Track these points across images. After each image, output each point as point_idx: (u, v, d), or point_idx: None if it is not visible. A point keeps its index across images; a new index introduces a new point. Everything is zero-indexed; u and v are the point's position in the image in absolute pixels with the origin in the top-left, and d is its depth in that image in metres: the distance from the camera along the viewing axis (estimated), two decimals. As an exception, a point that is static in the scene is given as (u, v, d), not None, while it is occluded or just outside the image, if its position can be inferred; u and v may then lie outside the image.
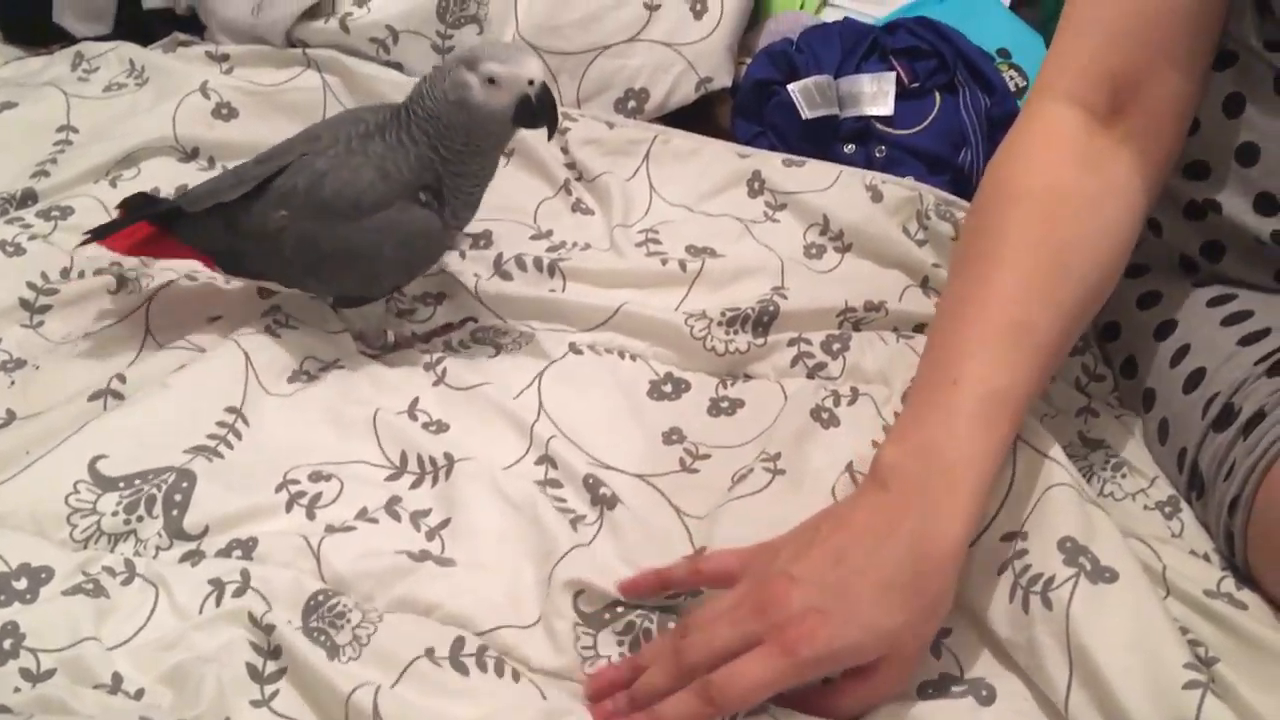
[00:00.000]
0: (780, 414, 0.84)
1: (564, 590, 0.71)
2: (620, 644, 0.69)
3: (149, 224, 0.83)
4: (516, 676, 0.68)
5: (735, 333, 0.90)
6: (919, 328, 0.91)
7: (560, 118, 0.80)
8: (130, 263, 0.95)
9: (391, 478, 0.79)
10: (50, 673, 0.66)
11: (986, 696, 0.67)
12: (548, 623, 0.70)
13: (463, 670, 0.68)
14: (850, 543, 0.63)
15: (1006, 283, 0.70)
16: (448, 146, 0.79)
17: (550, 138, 0.77)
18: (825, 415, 0.84)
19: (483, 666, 0.68)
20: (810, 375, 0.88)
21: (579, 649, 0.69)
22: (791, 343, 0.89)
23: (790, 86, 1.10)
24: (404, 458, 0.80)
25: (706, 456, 0.83)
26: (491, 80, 0.76)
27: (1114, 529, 0.70)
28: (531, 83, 0.76)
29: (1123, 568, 0.67)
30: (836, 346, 0.89)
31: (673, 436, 0.84)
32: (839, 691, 0.64)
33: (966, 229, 0.78)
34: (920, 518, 0.63)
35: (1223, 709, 0.60)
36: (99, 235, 0.84)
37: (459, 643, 0.69)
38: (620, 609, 0.70)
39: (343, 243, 0.79)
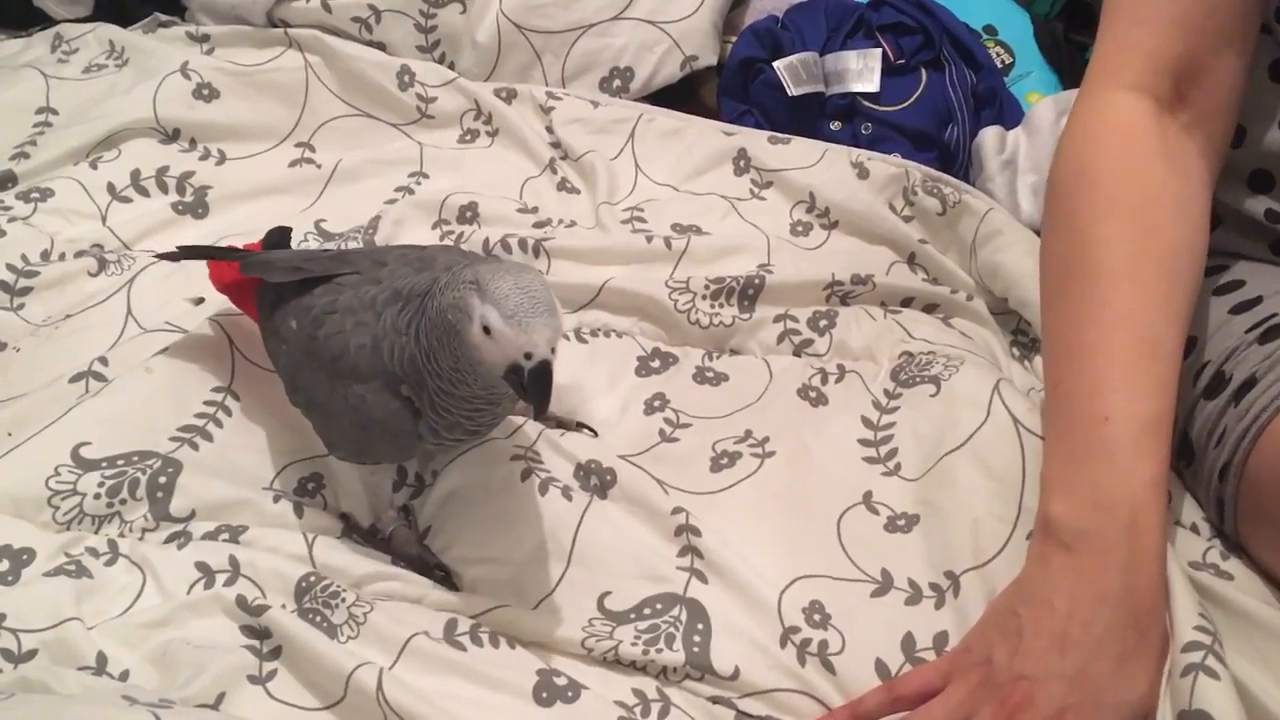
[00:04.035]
0: (766, 392, 0.84)
1: (588, 591, 0.71)
2: (636, 640, 0.69)
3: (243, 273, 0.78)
4: (513, 645, 0.69)
5: (720, 305, 0.89)
6: (906, 302, 0.91)
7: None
8: (112, 244, 0.95)
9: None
10: (32, 653, 0.66)
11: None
12: (551, 605, 0.71)
13: (459, 647, 0.68)
14: (1065, 623, 0.62)
15: (1126, 302, 0.69)
16: (436, 362, 0.66)
17: (536, 417, 0.69)
18: (814, 394, 0.83)
19: (478, 642, 0.68)
20: (797, 352, 0.88)
21: (587, 626, 0.70)
22: (778, 319, 0.89)
23: (776, 64, 1.09)
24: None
25: (687, 425, 0.82)
26: (487, 330, 0.62)
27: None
28: (529, 356, 0.62)
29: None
30: (823, 323, 0.89)
31: (655, 404, 0.84)
32: None
33: (1055, 236, 0.74)
34: (1123, 574, 0.63)
35: (1208, 679, 0.60)
36: (211, 256, 0.81)
37: (452, 624, 0.69)
38: (646, 610, 0.70)
39: (312, 389, 0.72)
